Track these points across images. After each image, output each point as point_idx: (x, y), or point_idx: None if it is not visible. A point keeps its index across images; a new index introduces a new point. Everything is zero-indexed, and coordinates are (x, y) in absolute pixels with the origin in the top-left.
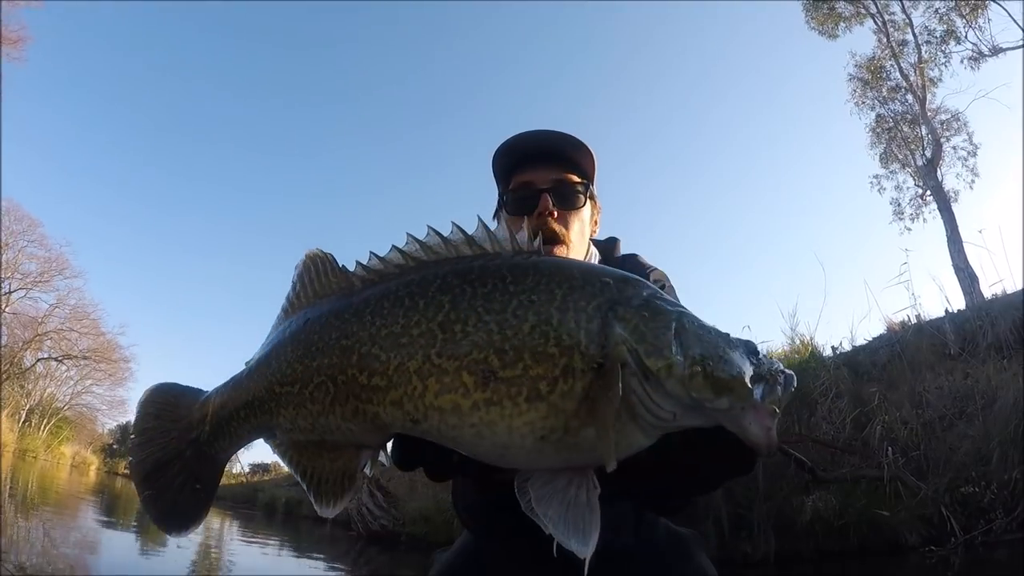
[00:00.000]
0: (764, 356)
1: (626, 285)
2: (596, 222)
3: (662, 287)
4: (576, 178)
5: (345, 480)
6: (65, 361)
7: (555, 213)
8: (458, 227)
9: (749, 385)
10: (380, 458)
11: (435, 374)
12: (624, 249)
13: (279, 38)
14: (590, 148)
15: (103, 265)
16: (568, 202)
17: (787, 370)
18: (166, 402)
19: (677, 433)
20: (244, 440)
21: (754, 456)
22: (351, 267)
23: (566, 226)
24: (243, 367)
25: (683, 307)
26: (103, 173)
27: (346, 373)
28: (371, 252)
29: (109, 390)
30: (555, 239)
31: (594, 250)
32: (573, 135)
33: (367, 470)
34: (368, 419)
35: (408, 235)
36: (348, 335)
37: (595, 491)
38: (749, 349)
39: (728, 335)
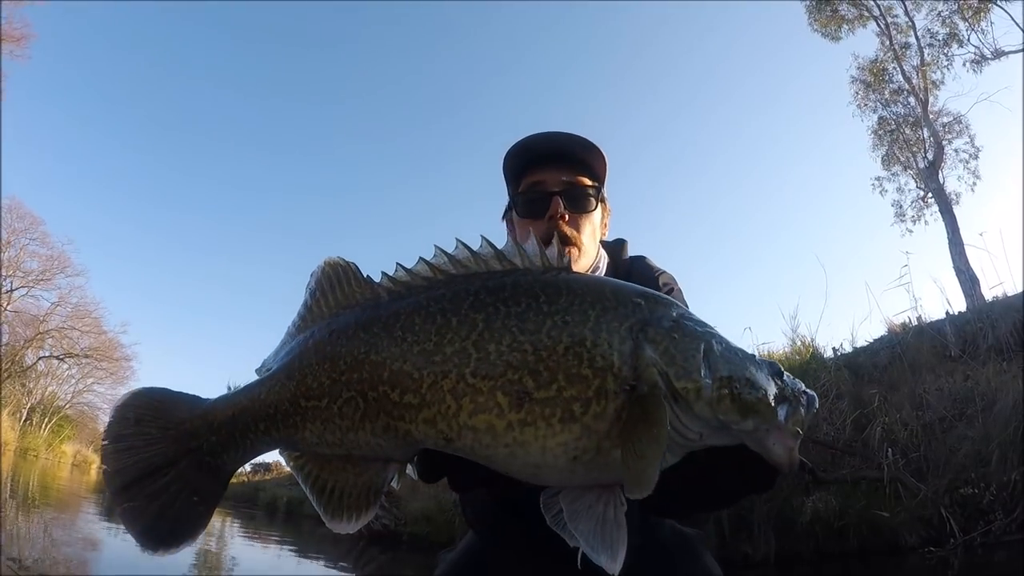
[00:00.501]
0: (788, 377)
1: (657, 305)
2: (606, 224)
3: (670, 291)
4: (587, 180)
5: (371, 495)
6: (66, 359)
7: (566, 216)
8: (487, 241)
9: (774, 406)
10: (407, 470)
11: (469, 393)
12: (631, 250)
13: (283, 37)
14: (602, 150)
15: (105, 263)
16: (579, 205)
17: (809, 391)
18: (151, 407)
19: (701, 451)
20: (259, 452)
21: (775, 474)
22: (368, 273)
23: (577, 229)
24: (255, 376)
25: (711, 327)
26: (105, 170)
27: (377, 389)
28: (398, 263)
29: (111, 389)
30: (566, 242)
31: (603, 252)
32: (585, 137)
33: (394, 483)
34: (400, 436)
35: (436, 247)
36: (378, 350)
37: (622, 508)
38: (774, 371)
39: (754, 356)
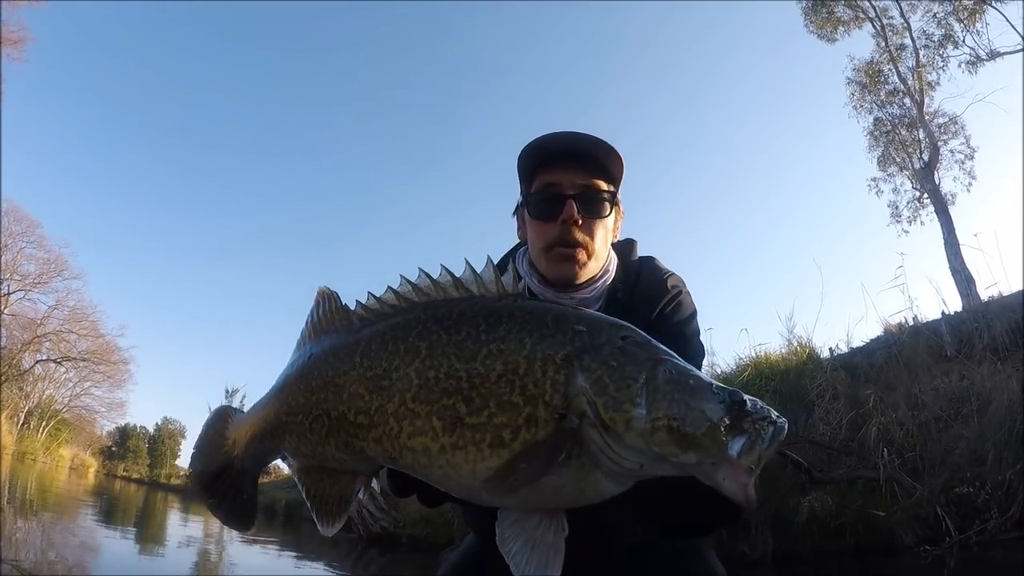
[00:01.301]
0: (752, 406)
1: (600, 332)
2: (618, 227)
3: (678, 293)
4: (603, 184)
5: (342, 503)
6: (64, 363)
7: (580, 221)
8: (446, 269)
9: (722, 440)
10: (373, 484)
11: (408, 417)
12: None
13: (284, 40)
14: (619, 153)
15: (103, 267)
16: (594, 210)
17: (778, 419)
18: (218, 422)
19: (654, 482)
20: (264, 459)
21: (739, 508)
22: (360, 297)
23: (591, 234)
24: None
25: (664, 353)
26: (104, 174)
27: (338, 409)
28: (369, 292)
29: (108, 392)
30: (578, 246)
31: (613, 255)
32: (602, 139)
33: (361, 495)
34: (357, 452)
35: (401, 276)
36: (341, 373)
37: (562, 533)
38: (734, 400)
39: (712, 384)
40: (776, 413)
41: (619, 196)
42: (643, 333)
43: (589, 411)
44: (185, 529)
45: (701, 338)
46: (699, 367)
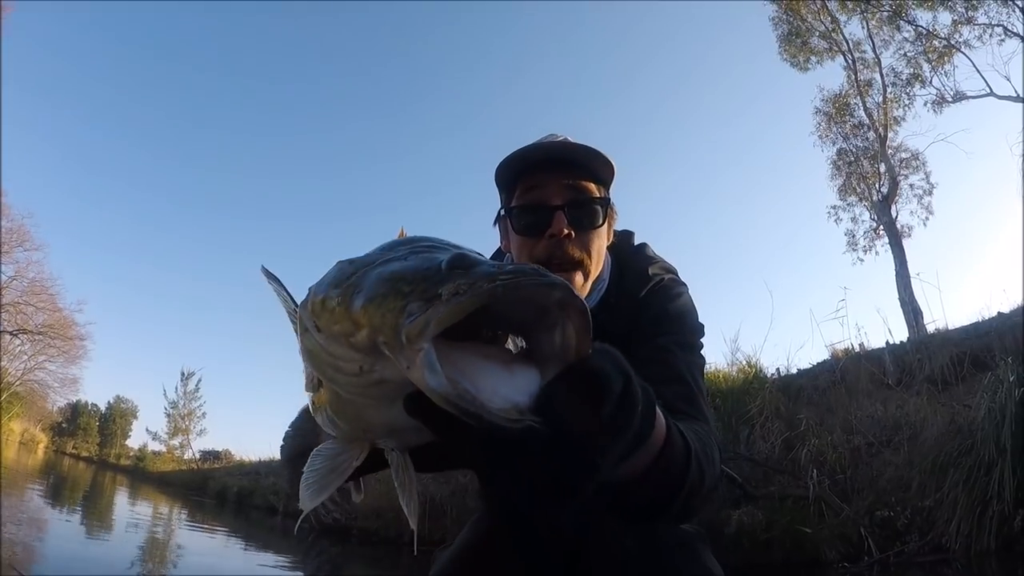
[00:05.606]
0: (475, 267)
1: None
2: (611, 229)
3: (659, 280)
4: (592, 187)
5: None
6: (20, 335)
7: (572, 234)
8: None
9: (387, 310)
10: None
11: None
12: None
13: (283, 39)
14: (609, 157)
15: (64, 240)
16: (586, 220)
17: (529, 269)
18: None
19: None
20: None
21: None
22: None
23: (585, 248)
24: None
25: (415, 253)
26: (71, 146)
27: None
28: None
29: (62, 367)
30: (572, 265)
31: (608, 259)
32: (588, 144)
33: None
34: None
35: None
36: None
37: (352, 460)
38: (454, 264)
39: (432, 256)
40: (521, 270)
41: (611, 200)
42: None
43: (303, 314)
44: (133, 512)
45: (698, 319)
46: (693, 346)
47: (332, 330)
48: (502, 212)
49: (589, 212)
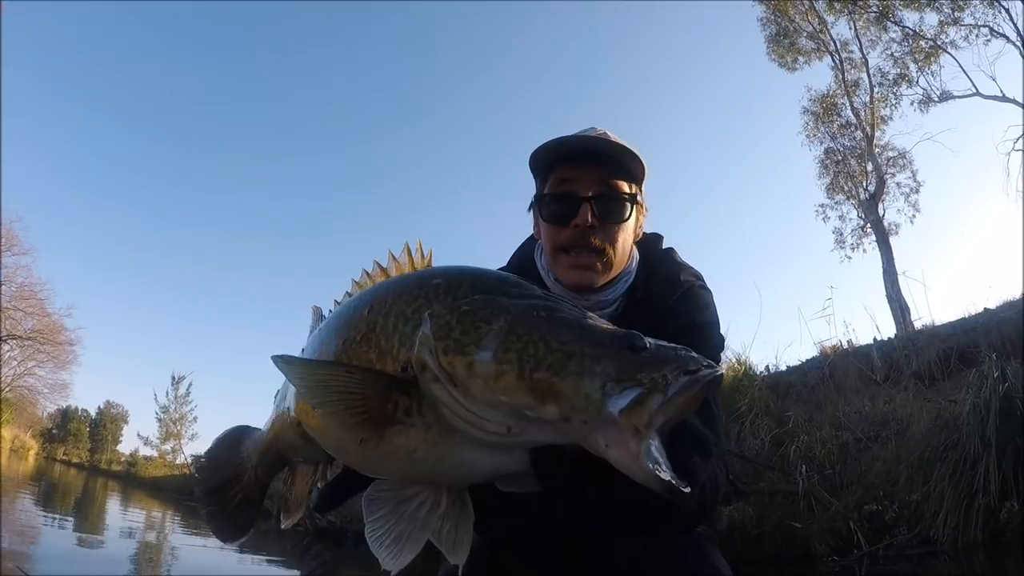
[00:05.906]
0: (653, 351)
1: (460, 281)
2: (641, 225)
3: (690, 287)
4: (623, 185)
5: (306, 494)
6: (8, 341)
7: (596, 225)
8: (377, 263)
9: (594, 391)
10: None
11: None
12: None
13: (281, 39)
14: (641, 156)
15: (55, 244)
16: (612, 214)
17: (695, 368)
18: (234, 437)
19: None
20: (274, 470)
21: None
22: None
23: (610, 240)
24: None
25: (546, 300)
26: (63, 148)
27: None
28: (346, 293)
29: (52, 373)
30: (595, 253)
31: (635, 254)
32: (624, 142)
33: (319, 484)
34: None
35: (363, 271)
36: None
37: (436, 510)
38: (624, 342)
39: (595, 327)
40: (699, 360)
41: (642, 196)
42: (534, 287)
43: (430, 361)
44: (125, 518)
45: (720, 331)
46: (716, 360)
47: (487, 396)
48: (533, 202)
49: (616, 206)
